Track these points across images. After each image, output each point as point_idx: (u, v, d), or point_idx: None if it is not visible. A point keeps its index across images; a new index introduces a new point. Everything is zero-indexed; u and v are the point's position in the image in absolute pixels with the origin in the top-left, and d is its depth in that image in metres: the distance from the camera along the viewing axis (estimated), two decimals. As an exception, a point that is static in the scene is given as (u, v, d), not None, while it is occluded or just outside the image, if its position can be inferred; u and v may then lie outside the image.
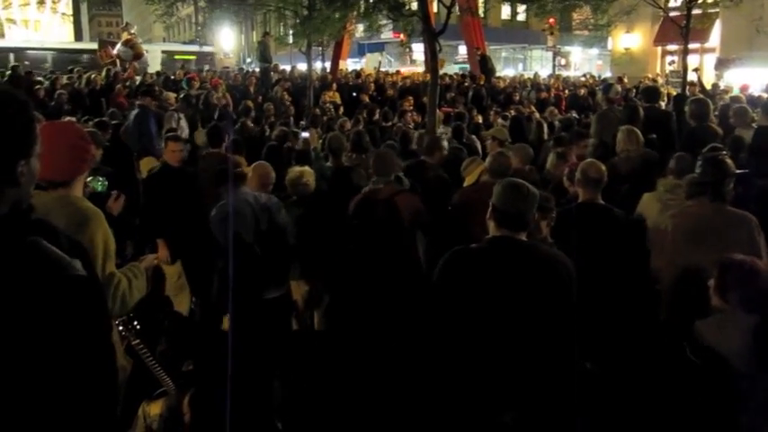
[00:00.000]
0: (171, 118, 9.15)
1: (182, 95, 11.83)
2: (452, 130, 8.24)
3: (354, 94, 14.78)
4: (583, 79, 20.54)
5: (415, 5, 9.43)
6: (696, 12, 12.91)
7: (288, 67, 19.19)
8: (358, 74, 18.08)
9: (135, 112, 8.84)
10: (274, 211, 4.60)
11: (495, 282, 2.74)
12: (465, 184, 5.10)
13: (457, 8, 15.05)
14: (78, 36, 34.37)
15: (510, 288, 2.72)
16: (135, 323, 3.21)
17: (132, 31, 19.69)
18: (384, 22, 12.17)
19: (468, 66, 24.13)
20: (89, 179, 3.73)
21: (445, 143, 6.05)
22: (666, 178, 4.51)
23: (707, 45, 21.90)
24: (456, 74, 19.44)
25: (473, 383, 2.73)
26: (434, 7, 15.66)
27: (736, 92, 13.06)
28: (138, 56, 18.29)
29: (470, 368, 2.74)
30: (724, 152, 3.73)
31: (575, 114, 11.72)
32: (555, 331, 2.69)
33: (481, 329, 2.73)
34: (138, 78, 15.81)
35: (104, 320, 1.55)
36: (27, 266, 1.31)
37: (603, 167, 4.23)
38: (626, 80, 17.51)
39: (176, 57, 28.17)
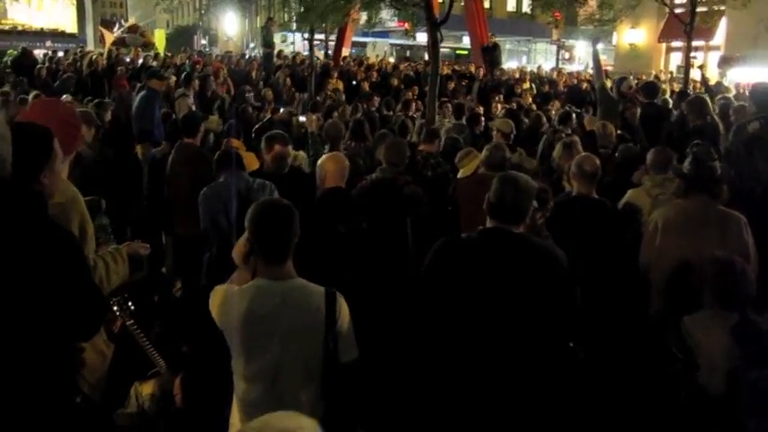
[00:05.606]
0: (185, 102, 9.02)
1: (183, 77, 11.77)
2: (467, 119, 8.26)
3: (355, 82, 14.73)
4: (581, 69, 20.40)
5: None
6: (701, 9, 12.88)
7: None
8: (360, 62, 18.04)
9: (142, 93, 8.61)
10: (266, 194, 4.52)
11: (482, 272, 2.76)
12: (459, 176, 5.12)
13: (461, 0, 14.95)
14: (81, 17, 34.14)
15: (497, 278, 2.74)
16: (129, 304, 3.26)
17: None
18: (386, 11, 12.11)
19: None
20: None
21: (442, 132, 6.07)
22: (648, 174, 4.54)
23: (712, 42, 21.85)
24: (459, 66, 19.36)
25: (461, 371, 2.76)
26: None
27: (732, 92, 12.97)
28: (147, 44, 18.50)
29: (457, 356, 2.77)
30: (710, 151, 3.79)
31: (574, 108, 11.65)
32: (542, 321, 2.71)
33: (468, 318, 2.76)
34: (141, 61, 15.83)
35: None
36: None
37: (598, 161, 4.25)
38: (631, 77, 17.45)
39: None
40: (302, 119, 8.50)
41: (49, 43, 26.80)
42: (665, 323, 3.32)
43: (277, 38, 27.87)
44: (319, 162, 4.36)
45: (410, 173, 4.99)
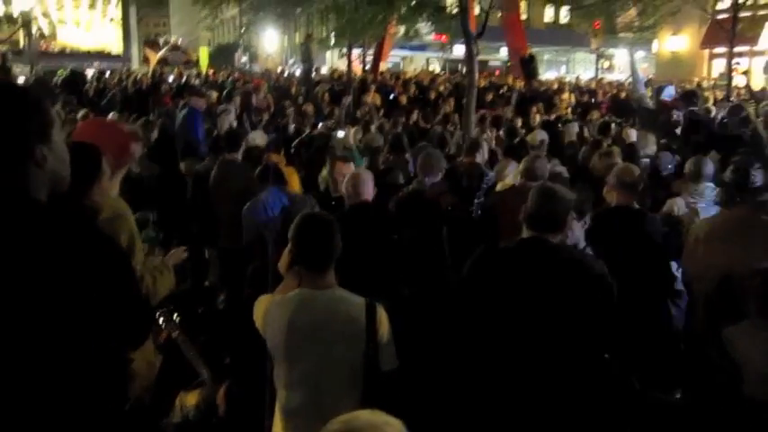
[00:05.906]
0: (226, 118, 9.19)
1: (225, 94, 12.04)
2: (505, 131, 8.27)
3: (392, 96, 14.82)
4: (621, 78, 20.14)
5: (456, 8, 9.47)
6: (744, 14, 12.64)
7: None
8: (398, 76, 18.16)
9: (184, 111, 8.79)
10: (307, 208, 4.60)
11: (519, 281, 2.78)
12: (498, 187, 5.12)
13: (499, 12, 14.89)
14: (127, 37, 35.29)
15: (534, 287, 2.75)
16: (175, 315, 3.35)
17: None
18: (424, 24, 12.19)
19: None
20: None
21: (485, 144, 6.08)
22: (687, 183, 4.50)
23: (757, 48, 21.37)
24: (497, 78, 19.31)
25: (496, 380, 2.77)
26: (476, 9, 15.60)
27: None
28: (189, 62, 19.13)
29: (493, 364, 2.79)
30: (752, 160, 3.73)
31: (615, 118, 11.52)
32: (577, 331, 2.71)
33: (504, 327, 2.77)
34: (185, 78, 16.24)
35: None
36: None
37: (638, 171, 4.21)
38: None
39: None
40: (341, 133, 8.60)
41: (96, 63, 27.70)
42: (708, 335, 3.27)
43: (335, 54, 28.08)
44: (346, 178, 4.31)
45: (448, 184, 5.02)
